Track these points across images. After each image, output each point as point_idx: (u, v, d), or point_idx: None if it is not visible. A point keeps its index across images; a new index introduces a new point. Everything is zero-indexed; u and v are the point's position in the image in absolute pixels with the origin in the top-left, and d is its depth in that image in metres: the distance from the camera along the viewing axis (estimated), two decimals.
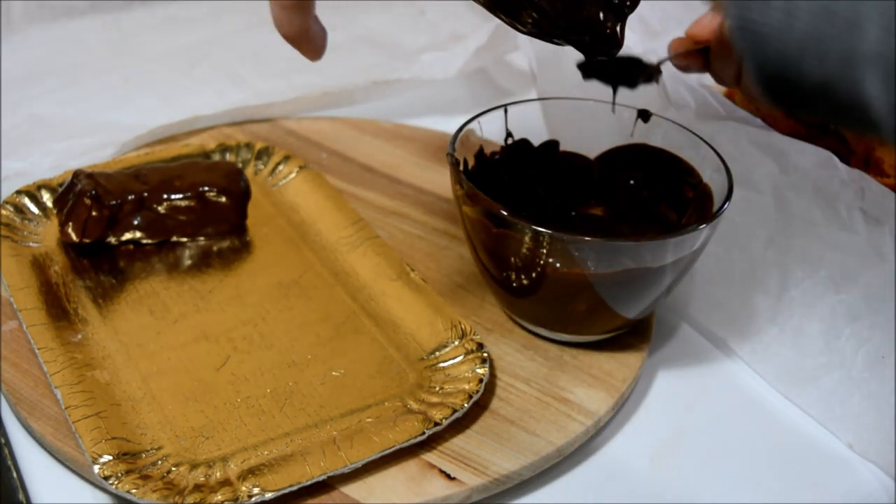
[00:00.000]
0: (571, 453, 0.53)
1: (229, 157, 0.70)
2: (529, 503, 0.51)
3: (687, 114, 0.60)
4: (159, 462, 0.48)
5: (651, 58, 0.58)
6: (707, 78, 0.57)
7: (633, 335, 0.58)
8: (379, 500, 0.48)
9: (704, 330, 0.61)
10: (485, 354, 0.54)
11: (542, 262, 0.53)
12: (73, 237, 0.60)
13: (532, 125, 0.63)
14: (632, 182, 0.63)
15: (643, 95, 0.60)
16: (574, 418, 0.53)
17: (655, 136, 0.61)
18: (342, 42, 0.88)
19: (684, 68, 0.57)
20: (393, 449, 0.49)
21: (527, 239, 0.52)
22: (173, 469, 0.48)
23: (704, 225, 0.52)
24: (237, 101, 0.77)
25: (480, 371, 0.53)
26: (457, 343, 0.55)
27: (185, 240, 0.63)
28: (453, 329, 0.56)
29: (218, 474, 0.48)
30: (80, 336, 0.55)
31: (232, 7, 0.92)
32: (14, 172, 0.67)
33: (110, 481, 0.46)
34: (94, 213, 0.59)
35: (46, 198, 0.64)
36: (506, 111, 0.61)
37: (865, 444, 0.54)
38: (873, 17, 0.31)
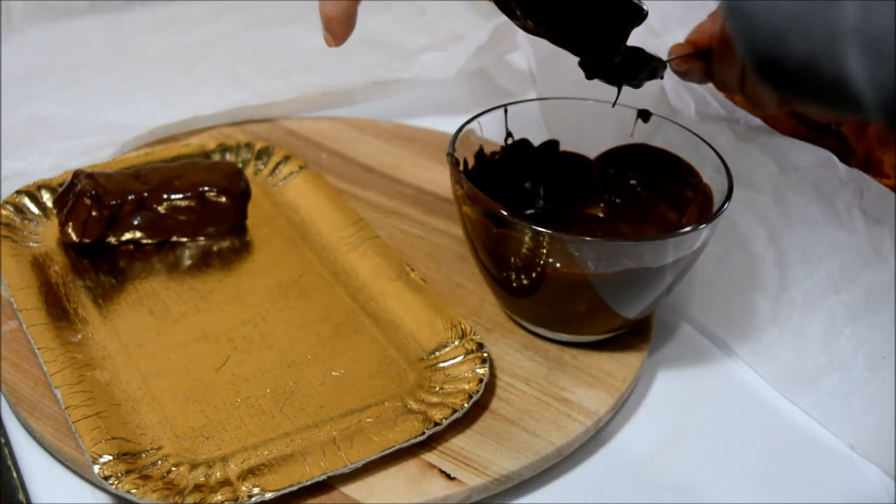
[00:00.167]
0: (571, 453, 0.53)
1: (229, 157, 0.70)
2: (529, 503, 0.51)
3: (687, 114, 0.60)
4: (159, 462, 0.48)
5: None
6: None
7: (633, 335, 0.58)
8: (379, 500, 0.48)
9: (704, 330, 0.61)
10: (485, 354, 0.54)
11: (542, 262, 0.53)
12: (73, 237, 0.60)
13: (532, 125, 0.63)
14: (632, 182, 0.63)
15: (643, 96, 0.60)
16: (574, 418, 0.53)
17: (655, 136, 0.61)
18: None
19: (684, 74, 0.56)
20: (393, 449, 0.49)
21: (527, 239, 0.52)
22: (173, 469, 0.48)
23: (704, 225, 0.52)
24: (237, 101, 0.77)
25: (480, 371, 0.53)
26: (457, 343, 0.55)
27: (185, 240, 0.63)
28: (453, 329, 0.56)
29: (218, 474, 0.48)
30: (80, 336, 0.55)
31: (232, 7, 0.92)
32: (14, 172, 0.67)
33: (110, 481, 0.46)
34: (94, 213, 0.59)
35: (46, 198, 0.64)
36: (506, 111, 0.61)
37: (866, 445, 0.54)
38: None
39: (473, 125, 0.59)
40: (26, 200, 0.63)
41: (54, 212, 0.62)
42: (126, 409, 0.51)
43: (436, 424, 0.50)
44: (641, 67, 0.55)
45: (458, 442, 0.51)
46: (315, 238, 0.64)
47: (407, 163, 0.73)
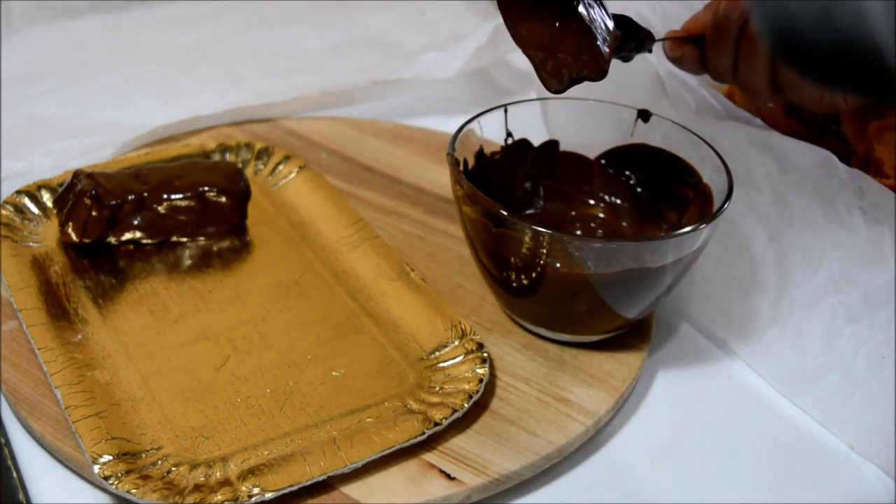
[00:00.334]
0: (571, 453, 0.53)
1: (229, 157, 0.70)
2: (529, 503, 0.51)
3: (687, 114, 0.60)
4: (159, 462, 0.48)
5: (651, 59, 0.58)
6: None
7: (633, 335, 0.58)
8: (379, 500, 0.48)
9: (704, 330, 0.61)
10: (485, 354, 0.54)
11: (542, 262, 0.53)
12: (73, 237, 0.60)
13: (532, 125, 0.63)
14: (632, 182, 0.63)
15: (643, 96, 0.60)
16: (574, 418, 0.53)
17: (655, 136, 0.61)
18: (342, 42, 0.88)
19: (679, 60, 0.56)
20: (393, 449, 0.49)
21: (527, 239, 0.52)
22: (173, 469, 0.48)
23: (704, 225, 0.52)
24: (237, 101, 0.77)
25: (480, 371, 0.53)
26: (457, 343, 0.55)
27: (185, 240, 0.63)
28: (453, 329, 0.56)
29: (218, 474, 0.48)
30: (80, 336, 0.55)
31: (232, 7, 0.92)
32: (14, 172, 0.67)
33: (110, 481, 0.46)
34: (94, 213, 0.59)
35: (46, 198, 0.64)
36: (506, 111, 0.61)
37: (866, 445, 0.54)
38: None
39: (473, 125, 0.59)
40: (26, 200, 0.63)
41: (54, 212, 0.62)
42: (126, 409, 0.51)
43: (436, 424, 0.50)
44: (628, 38, 0.54)
45: (458, 442, 0.51)
46: (315, 238, 0.64)
47: (407, 163, 0.73)
